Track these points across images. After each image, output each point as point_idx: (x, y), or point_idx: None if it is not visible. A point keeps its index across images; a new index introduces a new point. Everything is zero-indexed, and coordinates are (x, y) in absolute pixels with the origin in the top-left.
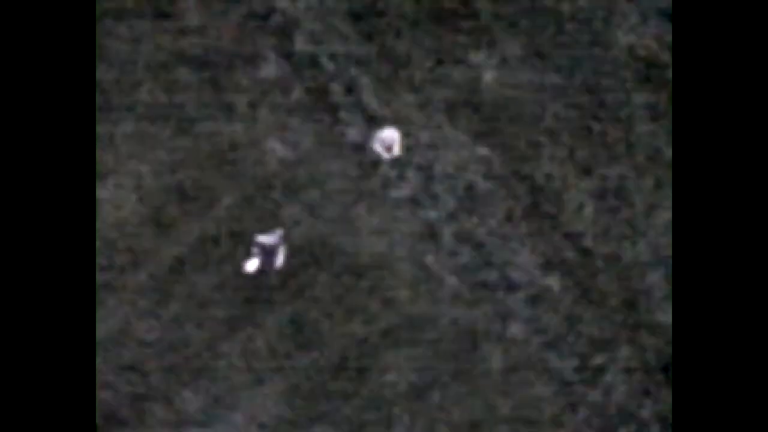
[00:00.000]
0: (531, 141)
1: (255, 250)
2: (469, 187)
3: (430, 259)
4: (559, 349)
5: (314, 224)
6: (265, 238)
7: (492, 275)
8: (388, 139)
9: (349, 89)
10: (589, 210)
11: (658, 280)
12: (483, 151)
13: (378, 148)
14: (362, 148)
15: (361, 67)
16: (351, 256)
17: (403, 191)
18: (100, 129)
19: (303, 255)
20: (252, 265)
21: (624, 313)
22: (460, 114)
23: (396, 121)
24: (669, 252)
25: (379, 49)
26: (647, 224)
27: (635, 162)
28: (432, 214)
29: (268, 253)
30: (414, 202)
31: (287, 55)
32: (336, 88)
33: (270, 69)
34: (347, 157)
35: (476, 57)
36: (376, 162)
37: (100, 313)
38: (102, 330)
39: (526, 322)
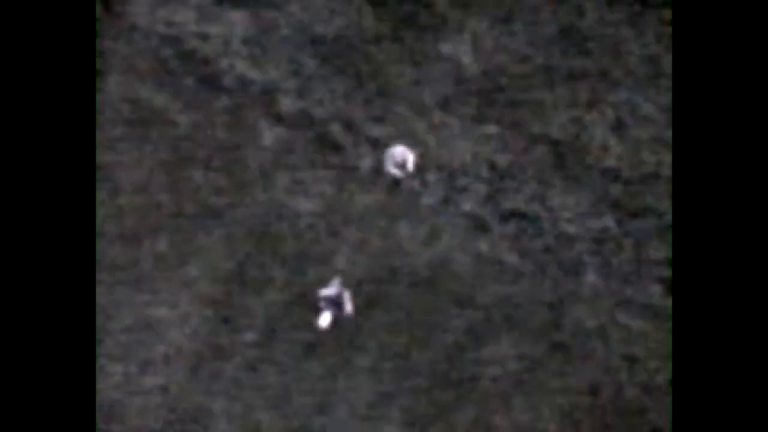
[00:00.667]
0: (531, 102)
1: (323, 305)
2: (493, 167)
3: (485, 247)
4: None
5: (366, 258)
6: (327, 291)
7: (550, 240)
8: (399, 156)
9: (348, 125)
10: (613, 141)
11: None
12: (491, 129)
13: (393, 169)
14: (379, 172)
15: (348, 100)
16: (413, 274)
17: (433, 195)
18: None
19: (368, 289)
20: (325, 320)
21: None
22: (455, 104)
23: (400, 135)
24: None
25: (356, 77)
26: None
27: (637, 80)
28: (468, 206)
29: (336, 304)
30: (447, 200)
31: (279, 119)
32: (335, 128)
33: (267, 137)
34: (369, 186)
35: (447, 47)
36: (397, 180)
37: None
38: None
39: (599, 271)
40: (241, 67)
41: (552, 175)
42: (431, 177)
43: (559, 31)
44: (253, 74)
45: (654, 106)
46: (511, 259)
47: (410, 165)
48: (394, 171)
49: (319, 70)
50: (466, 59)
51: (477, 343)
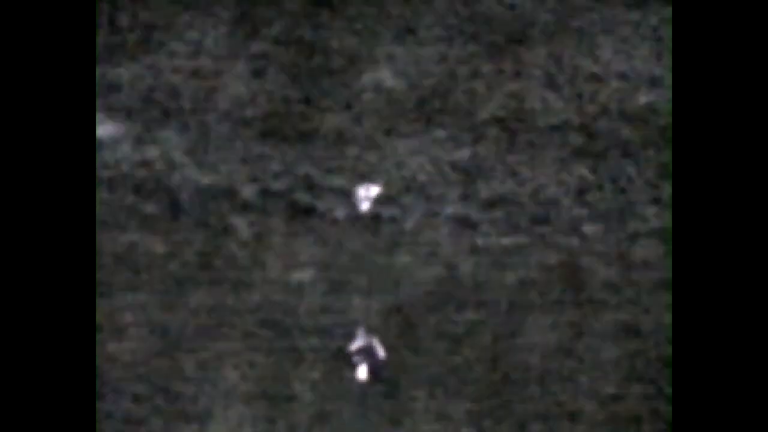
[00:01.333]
0: (463, 98)
1: (356, 359)
2: (455, 166)
3: (481, 240)
4: None
5: (378, 300)
6: (357, 344)
7: (536, 209)
8: (367, 191)
9: (309, 187)
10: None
11: None
12: (439, 133)
13: (368, 205)
14: (357, 216)
15: (297, 166)
16: (429, 295)
17: (414, 215)
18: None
19: (391, 327)
20: (362, 372)
21: None
22: (396, 125)
23: (360, 173)
24: None
25: (298, 140)
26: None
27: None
28: (450, 209)
29: (368, 353)
30: (429, 213)
31: (246, 206)
32: (300, 196)
33: (242, 227)
34: (352, 232)
35: (369, 77)
36: (377, 216)
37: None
38: None
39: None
40: (192, 175)
41: (511, 149)
42: (406, 200)
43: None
44: (206, 180)
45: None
46: (507, 240)
47: (378, 190)
48: (369, 206)
49: (262, 149)
50: (390, 82)
51: (513, 335)
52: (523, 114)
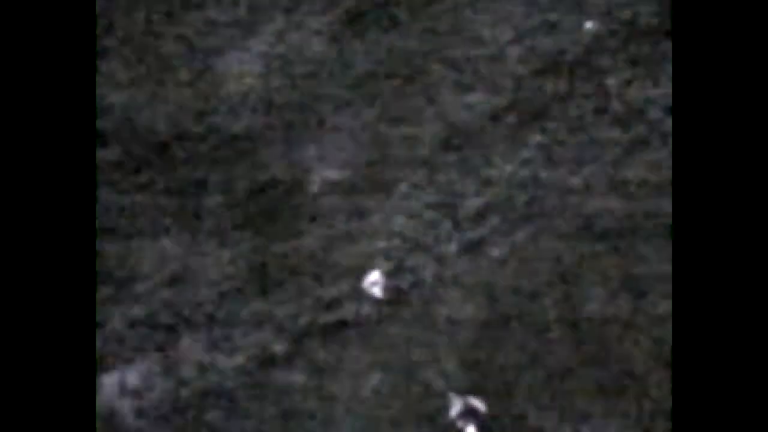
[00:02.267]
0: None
1: (460, 423)
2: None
3: (496, 251)
4: None
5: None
6: (455, 411)
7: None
8: (374, 279)
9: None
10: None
11: None
12: (401, 188)
13: (377, 290)
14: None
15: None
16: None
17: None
18: None
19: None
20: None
21: None
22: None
23: (362, 264)
24: None
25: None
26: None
27: None
28: (453, 248)
29: (471, 412)
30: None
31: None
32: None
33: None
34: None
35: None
36: (396, 290)
37: None
38: None
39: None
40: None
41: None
42: (411, 261)
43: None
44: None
45: None
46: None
47: (381, 276)
48: (378, 292)
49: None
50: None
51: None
52: None
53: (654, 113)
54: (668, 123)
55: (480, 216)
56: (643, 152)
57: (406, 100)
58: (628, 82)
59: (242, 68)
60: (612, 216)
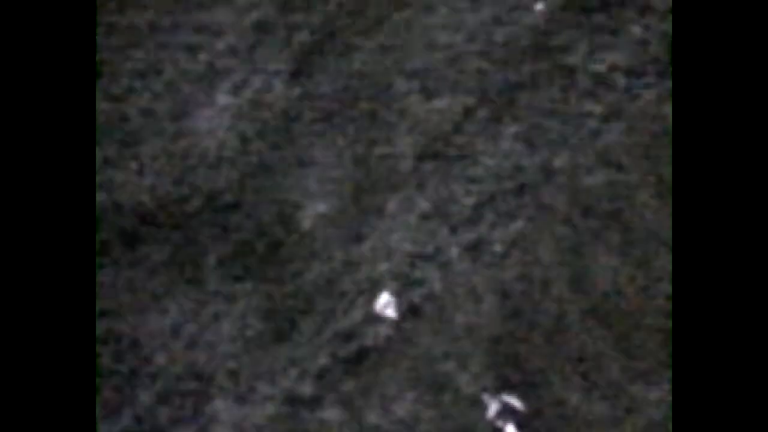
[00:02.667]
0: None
1: (499, 423)
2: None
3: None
4: None
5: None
6: (492, 411)
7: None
8: (384, 301)
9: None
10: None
11: None
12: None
13: (388, 311)
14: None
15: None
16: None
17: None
18: None
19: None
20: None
21: None
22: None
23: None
24: None
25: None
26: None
27: None
28: (455, 252)
29: (508, 410)
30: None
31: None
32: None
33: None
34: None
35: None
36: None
37: None
38: None
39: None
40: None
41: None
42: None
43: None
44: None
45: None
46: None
47: (391, 296)
48: (392, 312)
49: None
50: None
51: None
52: None
53: (620, 80)
54: (639, 86)
55: (474, 215)
56: (620, 119)
57: (378, 119)
58: (590, 54)
59: (211, 124)
60: (604, 187)
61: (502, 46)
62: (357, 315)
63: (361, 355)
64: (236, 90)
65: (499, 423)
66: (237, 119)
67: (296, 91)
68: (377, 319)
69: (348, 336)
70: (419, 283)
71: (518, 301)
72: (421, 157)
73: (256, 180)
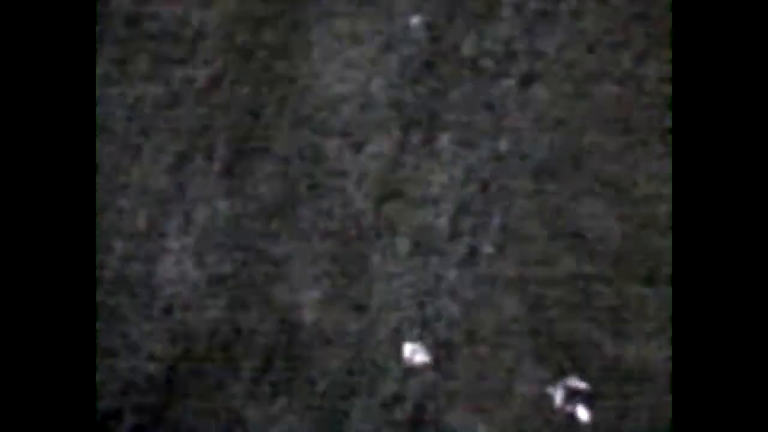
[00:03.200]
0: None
1: (568, 408)
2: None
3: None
4: None
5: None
6: (559, 397)
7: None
8: (410, 352)
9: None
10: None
11: None
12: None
13: (418, 357)
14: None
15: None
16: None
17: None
18: None
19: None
20: (584, 414)
21: None
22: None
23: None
24: None
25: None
26: None
27: None
28: (450, 273)
29: (574, 393)
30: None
31: None
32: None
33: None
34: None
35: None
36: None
37: None
38: None
39: None
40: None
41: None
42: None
43: None
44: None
45: None
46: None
47: (415, 342)
48: (424, 357)
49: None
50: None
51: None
52: None
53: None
54: (564, 59)
55: (455, 230)
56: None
57: (326, 178)
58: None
59: (180, 268)
60: (558, 160)
61: (421, 54)
62: (395, 376)
63: (418, 408)
64: (182, 228)
65: (569, 408)
66: (198, 253)
67: (230, 204)
68: (414, 369)
69: (396, 398)
70: (435, 318)
71: (534, 289)
72: (381, 198)
73: (248, 294)
